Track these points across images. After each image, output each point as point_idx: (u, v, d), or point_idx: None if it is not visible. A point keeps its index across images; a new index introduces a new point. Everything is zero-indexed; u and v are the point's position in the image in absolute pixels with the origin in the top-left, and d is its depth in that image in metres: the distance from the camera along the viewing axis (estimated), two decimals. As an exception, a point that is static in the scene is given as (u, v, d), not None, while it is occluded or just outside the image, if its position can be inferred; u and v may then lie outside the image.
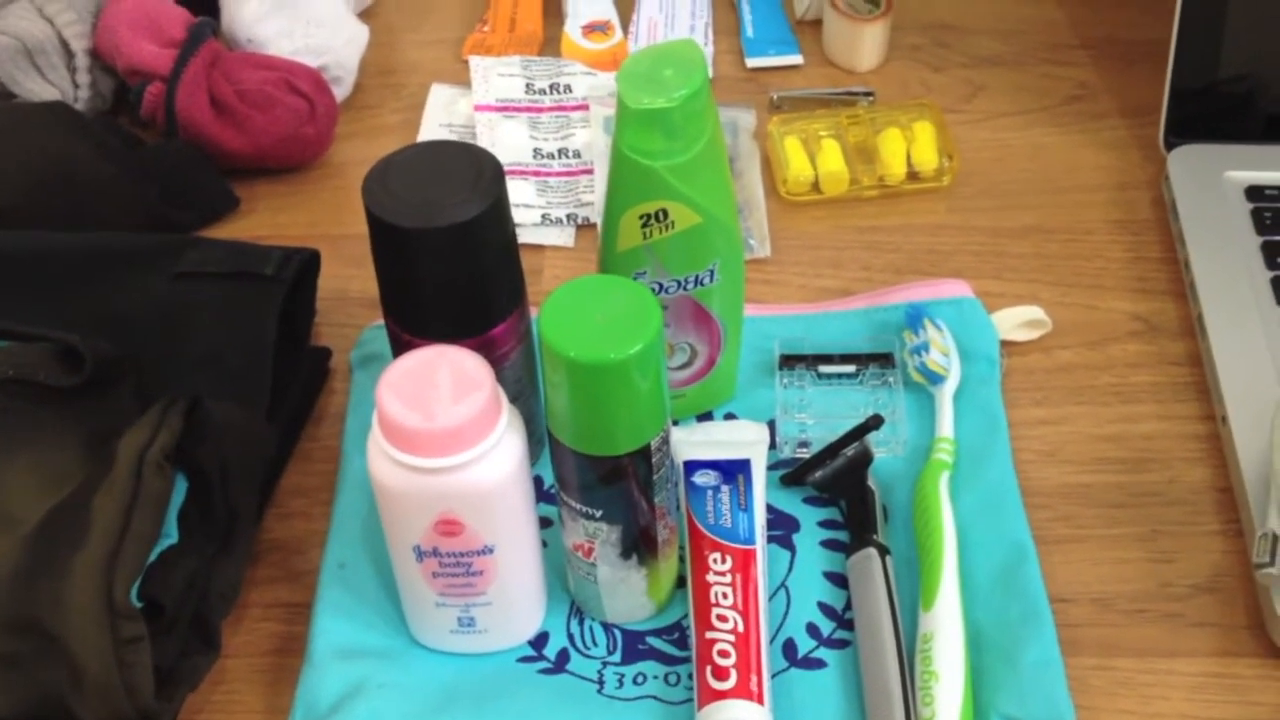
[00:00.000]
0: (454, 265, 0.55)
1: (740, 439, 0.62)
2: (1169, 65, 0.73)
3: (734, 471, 0.60)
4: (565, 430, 0.53)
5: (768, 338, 0.68)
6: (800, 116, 0.78)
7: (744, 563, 0.57)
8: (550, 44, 0.86)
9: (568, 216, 0.75)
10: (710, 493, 0.59)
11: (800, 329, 0.68)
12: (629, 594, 0.58)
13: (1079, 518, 0.62)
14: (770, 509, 0.62)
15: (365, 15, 0.87)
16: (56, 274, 0.67)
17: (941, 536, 0.58)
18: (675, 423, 0.64)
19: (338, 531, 0.61)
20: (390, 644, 0.58)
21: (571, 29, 0.85)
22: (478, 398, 0.51)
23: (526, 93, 0.81)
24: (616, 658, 0.58)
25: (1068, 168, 0.77)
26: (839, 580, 0.60)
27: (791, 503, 0.62)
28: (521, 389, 0.61)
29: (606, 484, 0.54)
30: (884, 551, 0.58)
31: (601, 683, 0.57)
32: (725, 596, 0.56)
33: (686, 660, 0.57)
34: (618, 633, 0.59)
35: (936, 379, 0.64)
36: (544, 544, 0.59)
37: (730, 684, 0.54)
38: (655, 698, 0.56)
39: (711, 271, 0.60)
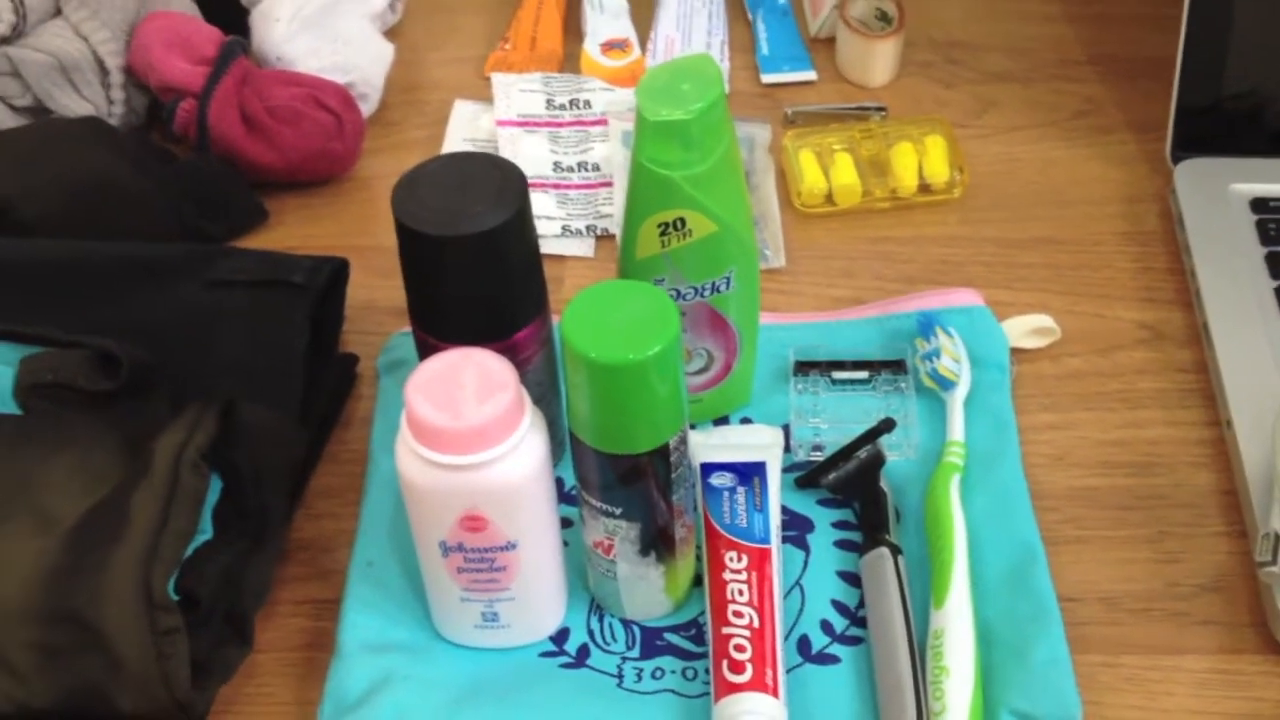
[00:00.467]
0: (479, 272, 0.57)
1: (756, 442, 0.64)
2: (1175, 81, 0.75)
3: (750, 473, 0.62)
4: (586, 429, 0.54)
5: (783, 345, 0.69)
6: (814, 131, 0.80)
7: (759, 561, 0.59)
8: (570, 61, 0.88)
9: (587, 228, 0.77)
10: (727, 494, 0.61)
11: (815, 336, 0.70)
12: (647, 591, 0.59)
13: (1087, 520, 0.63)
14: (785, 510, 0.63)
15: (391, 34, 0.89)
16: (92, 282, 0.69)
17: (952, 536, 0.60)
18: (693, 426, 0.66)
19: (366, 531, 0.63)
20: (416, 639, 0.60)
21: (590, 47, 0.87)
22: (502, 398, 0.53)
23: (547, 108, 0.83)
24: (635, 653, 0.59)
25: (1076, 181, 0.79)
26: (852, 579, 0.61)
27: (806, 504, 0.64)
28: (544, 393, 0.62)
29: (626, 483, 0.55)
30: (896, 551, 0.60)
31: (621, 677, 0.59)
32: (741, 593, 0.58)
33: (704, 656, 0.59)
34: (636, 629, 0.60)
35: (948, 384, 0.66)
36: (565, 544, 0.61)
37: (746, 677, 0.55)
38: (673, 691, 0.58)
39: (728, 279, 0.62)
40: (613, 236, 0.77)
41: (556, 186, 0.79)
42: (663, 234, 0.60)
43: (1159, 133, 0.77)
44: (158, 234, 0.74)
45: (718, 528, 0.60)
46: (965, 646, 0.56)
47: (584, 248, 0.77)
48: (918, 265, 0.75)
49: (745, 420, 0.68)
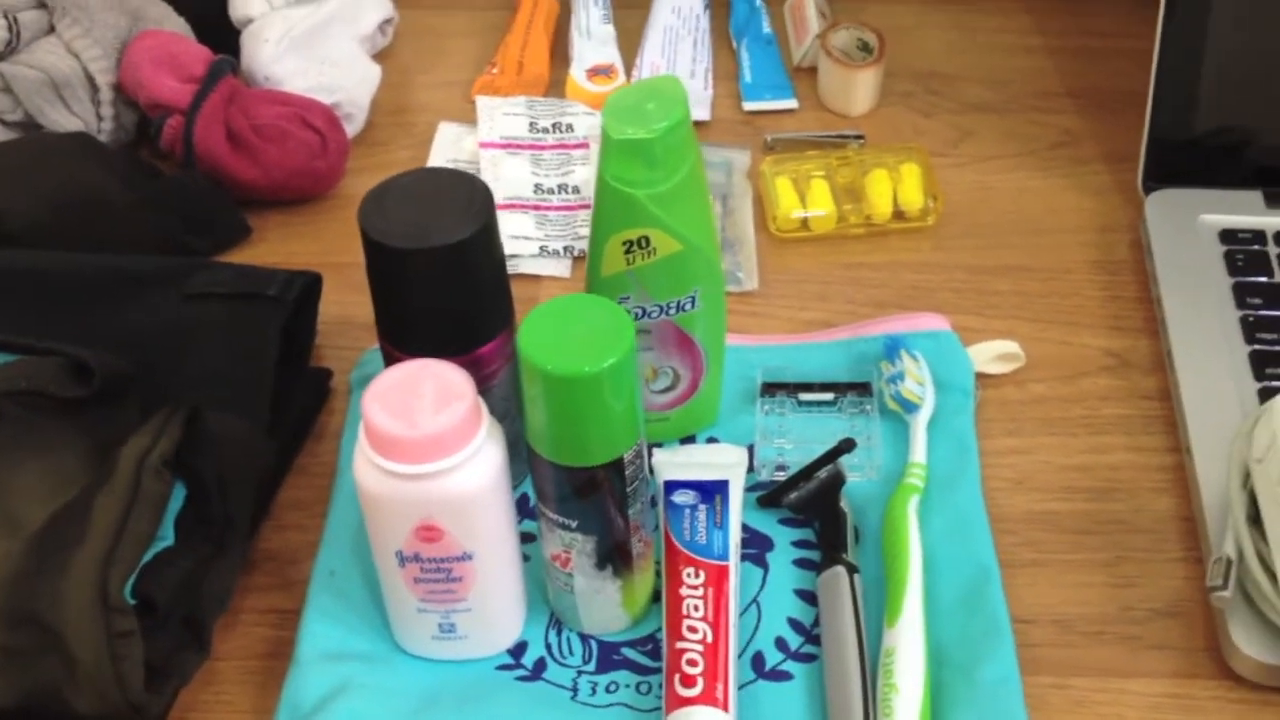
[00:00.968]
0: (443, 285, 0.58)
1: (720, 461, 0.65)
2: (1147, 113, 0.75)
3: (712, 491, 0.62)
4: (541, 441, 0.55)
5: (752, 366, 0.70)
6: (792, 157, 0.81)
7: (717, 578, 0.59)
8: (556, 86, 0.89)
9: (565, 249, 0.78)
10: (688, 511, 0.62)
11: (783, 358, 0.71)
12: (604, 605, 0.60)
13: (1044, 543, 0.64)
14: (746, 528, 0.64)
15: (381, 57, 0.90)
16: (74, 292, 0.70)
17: (907, 557, 0.60)
18: (659, 445, 0.67)
19: (330, 541, 0.64)
20: (374, 649, 0.60)
21: (577, 72, 0.88)
22: (458, 407, 0.53)
23: (530, 131, 0.84)
24: (591, 667, 0.60)
25: (1050, 210, 0.79)
26: (810, 598, 0.62)
27: (767, 523, 0.65)
28: (509, 408, 0.63)
29: (581, 495, 0.56)
30: (852, 570, 0.60)
31: (575, 690, 0.59)
32: (697, 609, 0.58)
33: (659, 671, 0.59)
34: (594, 643, 0.61)
35: (911, 407, 0.67)
36: (526, 558, 0.61)
37: (697, 691, 0.56)
38: (627, 705, 0.58)
39: (693, 298, 0.63)
40: (588, 257, 0.78)
41: (536, 208, 0.80)
42: (627, 252, 0.61)
43: (1134, 164, 0.78)
44: (143, 248, 0.75)
45: (677, 544, 0.61)
46: (915, 665, 0.57)
47: (560, 268, 0.78)
48: (890, 290, 0.75)
49: (712, 439, 0.68)
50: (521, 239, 0.78)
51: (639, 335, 0.62)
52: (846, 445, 0.63)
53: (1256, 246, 0.73)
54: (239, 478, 0.61)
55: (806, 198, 0.79)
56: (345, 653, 0.60)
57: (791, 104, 0.87)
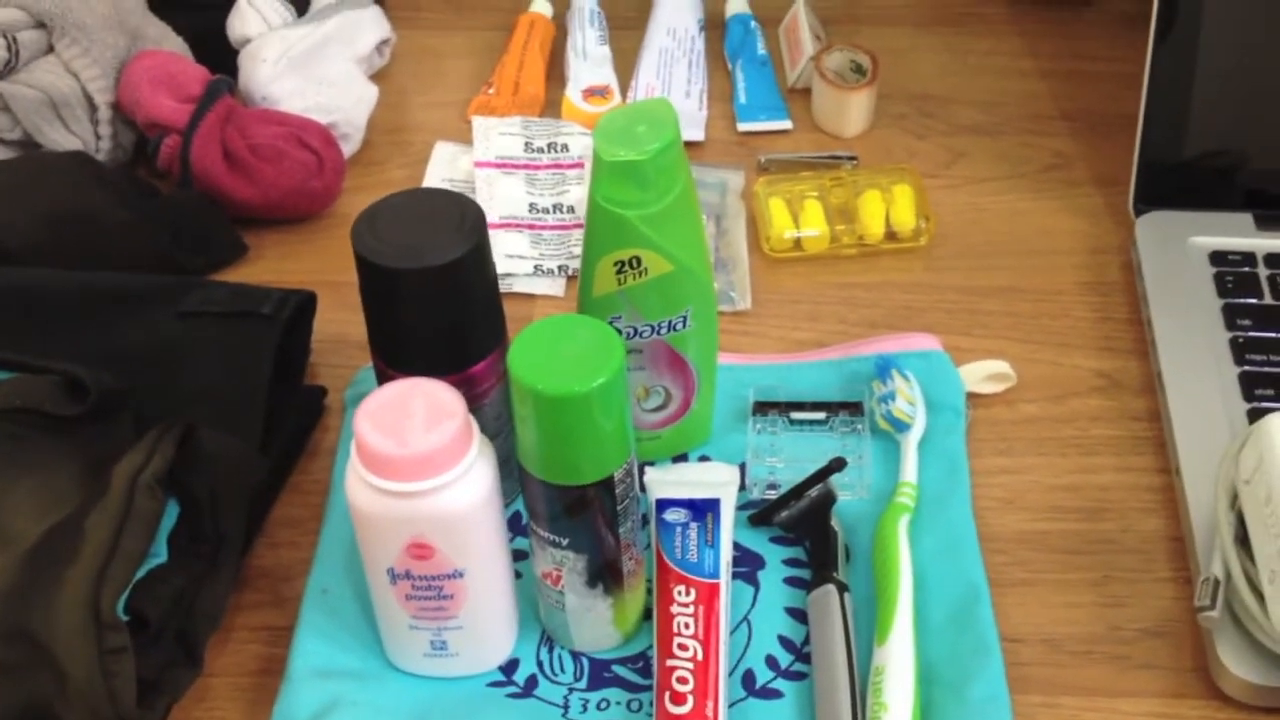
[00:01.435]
0: (435, 305, 0.59)
1: (711, 479, 0.65)
2: (1138, 135, 0.76)
3: (704, 510, 0.63)
4: (532, 460, 0.55)
5: (744, 385, 0.70)
6: (786, 178, 0.82)
7: (707, 596, 0.60)
8: (552, 107, 0.89)
9: (559, 268, 0.78)
10: (680, 529, 0.62)
11: (775, 378, 0.71)
12: (596, 623, 0.60)
13: (1034, 562, 0.64)
14: (737, 547, 0.64)
15: (378, 77, 0.91)
16: (70, 310, 0.70)
17: (897, 575, 0.60)
18: (652, 463, 0.67)
19: (322, 558, 0.64)
20: (366, 666, 0.60)
21: (573, 93, 0.89)
22: (449, 426, 0.54)
23: (525, 151, 0.85)
24: (583, 684, 0.60)
25: (1042, 232, 0.80)
26: (800, 616, 0.62)
27: (759, 541, 0.65)
28: (502, 426, 0.63)
29: (571, 514, 0.56)
30: (843, 588, 0.60)
31: (566, 707, 0.59)
32: (687, 627, 0.59)
33: (649, 688, 0.59)
34: (585, 661, 0.61)
35: (902, 427, 0.67)
36: (518, 575, 0.61)
37: (687, 709, 0.56)
38: (617, 723, 0.59)
39: (685, 317, 0.63)
40: (583, 277, 0.78)
41: (531, 227, 0.81)
42: (619, 272, 0.61)
43: (1125, 186, 0.78)
44: (139, 266, 0.75)
45: (668, 562, 0.61)
46: (905, 683, 0.57)
47: (554, 287, 0.78)
48: (881, 310, 0.76)
49: (704, 458, 0.68)
50: (516, 258, 0.79)
51: (631, 355, 0.63)
52: (837, 464, 0.64)
53: (1246, 268, 0.73)
54: (232, 495, 0.62)
55: (800, 218, 0.79)
56: (337, 670, 0.60)
57: (786, 125, 0.87)
